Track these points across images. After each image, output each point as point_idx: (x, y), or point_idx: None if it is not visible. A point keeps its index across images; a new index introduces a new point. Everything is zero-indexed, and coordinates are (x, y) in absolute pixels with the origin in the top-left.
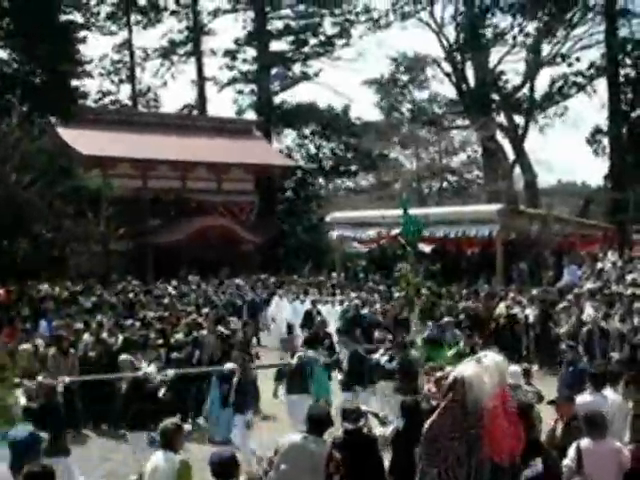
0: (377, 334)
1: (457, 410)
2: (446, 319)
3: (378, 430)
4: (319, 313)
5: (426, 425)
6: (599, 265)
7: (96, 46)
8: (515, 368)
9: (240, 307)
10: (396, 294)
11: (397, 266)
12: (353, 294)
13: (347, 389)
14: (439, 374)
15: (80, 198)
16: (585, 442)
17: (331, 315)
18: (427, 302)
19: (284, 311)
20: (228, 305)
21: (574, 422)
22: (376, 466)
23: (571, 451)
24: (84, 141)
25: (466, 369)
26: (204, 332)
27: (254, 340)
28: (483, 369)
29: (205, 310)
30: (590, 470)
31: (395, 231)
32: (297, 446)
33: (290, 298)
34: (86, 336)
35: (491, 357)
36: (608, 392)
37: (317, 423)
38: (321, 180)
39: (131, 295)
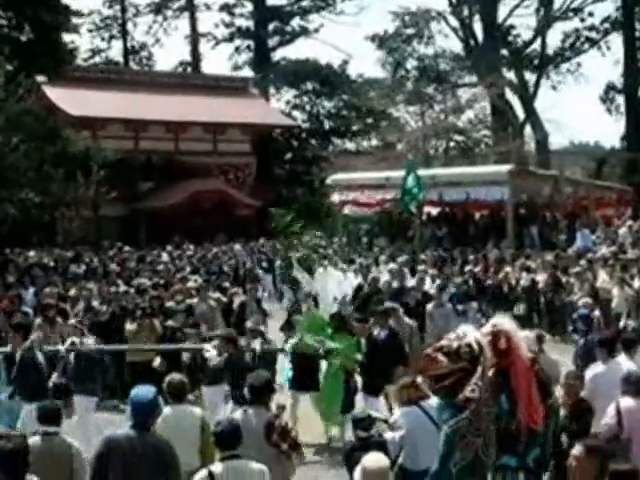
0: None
1: (495, 379)
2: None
3: (387, 435)
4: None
5: (469, 395)
6: (613, 229)
7: (86, 1)
8: (529, 334)
9: (237, 275)
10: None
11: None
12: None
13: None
14: (443, 344)
15: (69, 161)
16: (625, 401)
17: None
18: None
19: (330, 283)
20: (223, 273)
21: (583, 403)
22: None
23: (610, 409)
24: (73, 101)
25: (476, 334)
26: (196, 300)
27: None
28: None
29: (196, 277)
30: (630, 427)
31: (396, 192)
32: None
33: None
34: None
35: (508, 323)
36: (622, 359)
37: (258, 392)
38: (321, 141)
39: (124, 262)
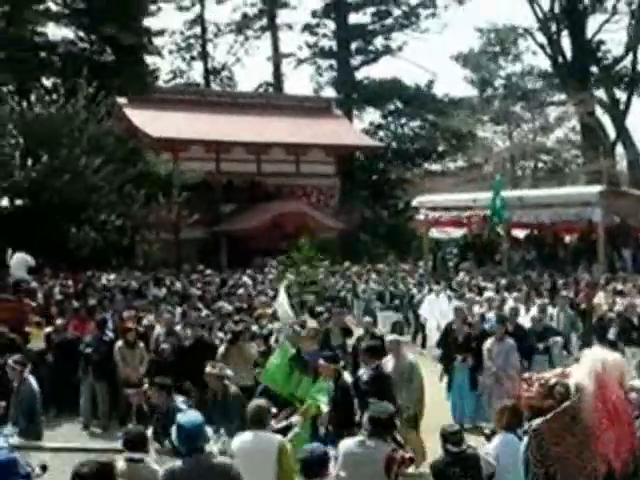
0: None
1: (567, 418)
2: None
3: (484, 452)
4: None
5: (533, 427)
6: None
7: (166, 22)
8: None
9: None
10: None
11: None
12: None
13: None
14: (545, 375)
15: (150, 183)
16: None
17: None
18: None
19: (436, 311)
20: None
21: None
22: None
23: None
24: (153, 123)
25: (581, 375)
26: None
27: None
28: (600, 371)
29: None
30: None
31: (484, 213)
32: (354, 452)
33: (444, 295)
34: (158, 328)
35: (604, 355)
36: None
37: (379, 425)
38: (406, 162)
39: (205, 285)
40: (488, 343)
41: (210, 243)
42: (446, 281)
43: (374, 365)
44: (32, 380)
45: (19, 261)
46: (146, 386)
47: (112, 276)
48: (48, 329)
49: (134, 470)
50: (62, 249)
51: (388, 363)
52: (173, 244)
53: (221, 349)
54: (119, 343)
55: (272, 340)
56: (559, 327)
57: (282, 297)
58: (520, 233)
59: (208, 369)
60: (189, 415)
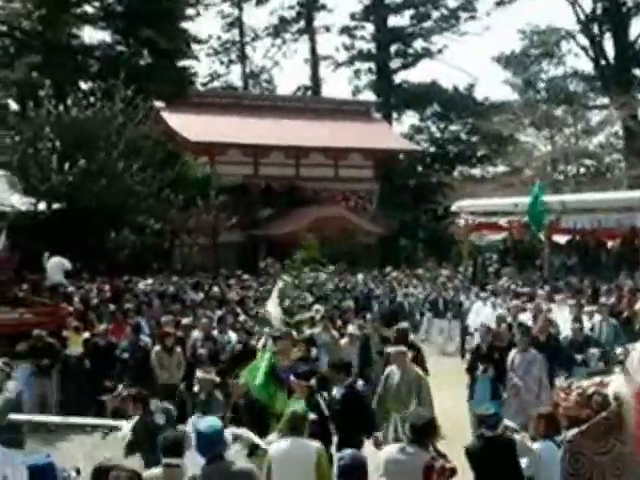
0: None
1: (604, 427)
2: None
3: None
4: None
5: (568, 438)
6: None
7: (204, 26)
8: None
9: (357, 305)
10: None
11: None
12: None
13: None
14: (583, 384)
15: (188, 187)
16: None
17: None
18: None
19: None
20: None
21: None
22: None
23: None
24: (191, 126)
25: (620, 384)
26: (318, 330)
27: None
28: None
29: (318, 307)
30: None
31: (525, 218)
32: (395, 458)
33: (490, 303)
34: (195, 333)
35: None
36: None
37: (418, 432)
38: (446, 166)
39: (244, 290)
40: (511, 354)
41: (248, 247)
42: (484, 287)
43: (347, 383)
44: (12, 386)
45: (56, 265)
46: (121, 389)
47: (149, 281)
48: (86, 334)
49: (171, 476)
50: (100, 253)
51: (395, 375)
52: (211, 248)
53: (155, 349)
54: (156, 348)
55: (260, 344)
56: (601, 337)
57: (274, 300)
58: (561, 238)
59: (200, 374)
60: (208, 421)
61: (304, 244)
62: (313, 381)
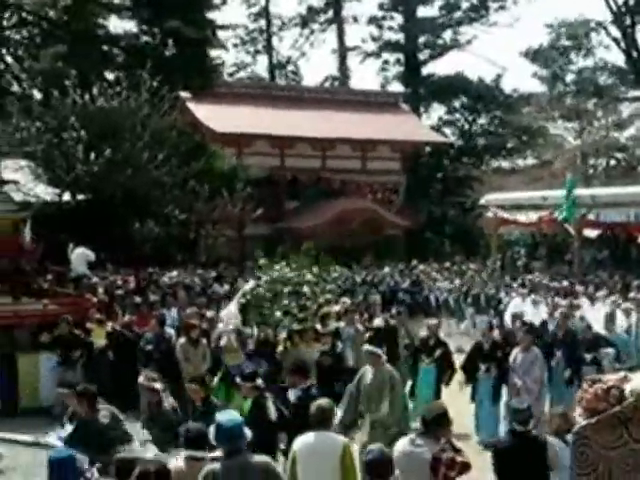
0: None
1: (616, 420)
2: None
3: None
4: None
5: (575, 430)
6: None
7: (230, 15)
8: None
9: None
10: None
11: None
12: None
13: None
14: (604, 377)
15: (214, 178)
16: None
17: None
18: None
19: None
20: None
21: None
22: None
23: None
24: (217, 117)
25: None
26: (343, 323)
27: None
28: None
29: (345, 299)
30: None
31: (555, 212)
32: (405, 450)
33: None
34: (220, 325)
35: None
36: None
37: (429, 424)
38: (474, 159)
39: None
40: (514, 352)
41: (274, 239)
42: (513, 281)
43: (305, 386)
44: None
45: (80, 256)
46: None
47: (174, 273)
48: (109, 326)
49: (194, 468)
50: (125, 244)
51: (368, 374)
52: (237, 240)
53: (279, 348)
54: (181, 340)
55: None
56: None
57: (237, 298)
58: (591, 232)
59: (141, 379)
60: (229, 414)
61: (304, 249)
62: (259, 381)
